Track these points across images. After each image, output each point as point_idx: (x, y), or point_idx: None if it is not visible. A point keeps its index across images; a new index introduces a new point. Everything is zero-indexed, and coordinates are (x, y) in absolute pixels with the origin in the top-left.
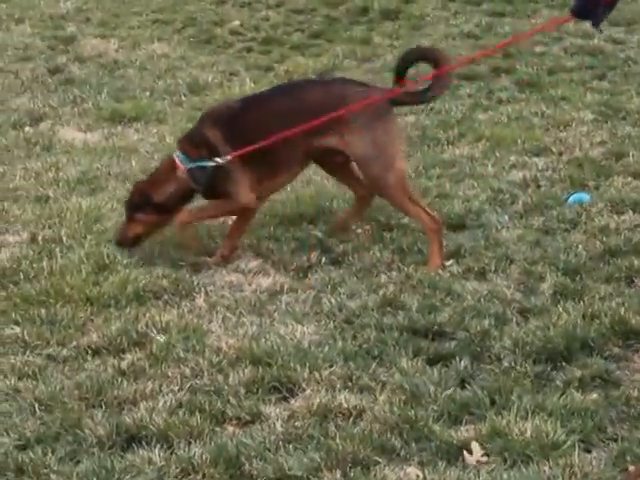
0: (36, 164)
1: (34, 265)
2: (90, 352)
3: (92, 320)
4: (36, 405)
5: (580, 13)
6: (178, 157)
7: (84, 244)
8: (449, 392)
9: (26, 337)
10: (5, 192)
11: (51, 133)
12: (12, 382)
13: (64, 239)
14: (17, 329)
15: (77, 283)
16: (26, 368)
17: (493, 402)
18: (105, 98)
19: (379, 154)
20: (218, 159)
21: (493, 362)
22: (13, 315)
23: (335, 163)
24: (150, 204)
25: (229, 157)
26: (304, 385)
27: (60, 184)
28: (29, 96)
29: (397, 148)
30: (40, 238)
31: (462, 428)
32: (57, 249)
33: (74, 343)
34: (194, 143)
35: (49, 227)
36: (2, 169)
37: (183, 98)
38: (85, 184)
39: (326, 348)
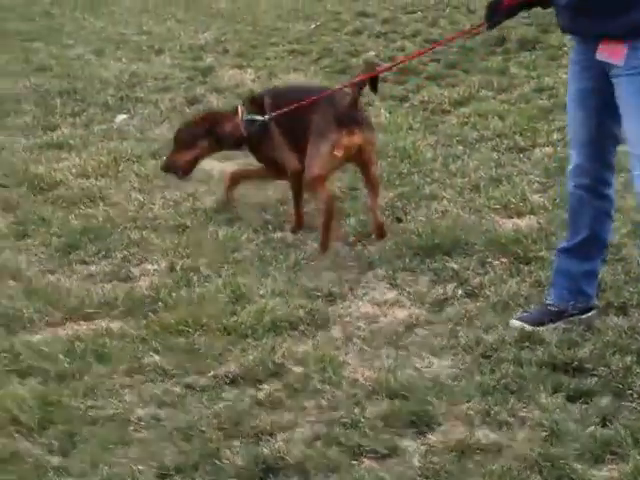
0: (174, 193)
1: (173, 294)
2: (228, 382)
3: (230, 350)
4: (175, 434)
5: (487, 16)
6: (240, 108)
7: (221, 273)
8: (590, 430)
9: (165, 365)
10: (145, 221)
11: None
12: (152, 410)
13: (202, 268)
14: (156, 357)
15: (215, 312)
16: (165, 397)
17: (636, 441)
18: None
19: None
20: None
21: (635, 400)
22: (152, 343)
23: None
24: (212, 135)
25: (273, 114)
26: (441, 420)
27: (197, 213)
28: (168, 126)
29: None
30: (178, 267)
31: (604, 467)
32: (195, 278)
33: (212, 372)
34: (254, 103)
35: (187, 256)
36: (142, 198)
37: None
38: (222, 213)
39: (463, 382)
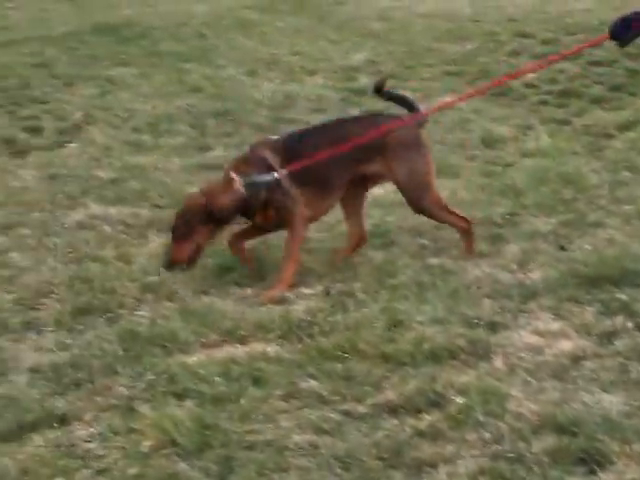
0: (327, 217)
1: (329, 318)
2: (387, 410)
3: (388, 377)
4: (334, 462)
5: (614, 33)
6: (233, 175)
7: (377, 299)
8: None
9: (322, 391)
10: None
11: None
12: (310, 437)
13: (357, 293)
14: (313, 382)
15: (372, 339)
16: (323, 423)
17: None
18: None
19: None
20: (275, 173)
21: None
22: (309, 368)
23: (358, 193)
24: (210, 216)
25: (284, 171)
26: (614, 458)
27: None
28: None
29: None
30: (334, 292)
31: None
32: (351, 303)
33: (370, 400)
34: (249, 163)
35: (342, 280)
36: None
37: (477, 152)
38: (377, 237)
39: (636, 420)
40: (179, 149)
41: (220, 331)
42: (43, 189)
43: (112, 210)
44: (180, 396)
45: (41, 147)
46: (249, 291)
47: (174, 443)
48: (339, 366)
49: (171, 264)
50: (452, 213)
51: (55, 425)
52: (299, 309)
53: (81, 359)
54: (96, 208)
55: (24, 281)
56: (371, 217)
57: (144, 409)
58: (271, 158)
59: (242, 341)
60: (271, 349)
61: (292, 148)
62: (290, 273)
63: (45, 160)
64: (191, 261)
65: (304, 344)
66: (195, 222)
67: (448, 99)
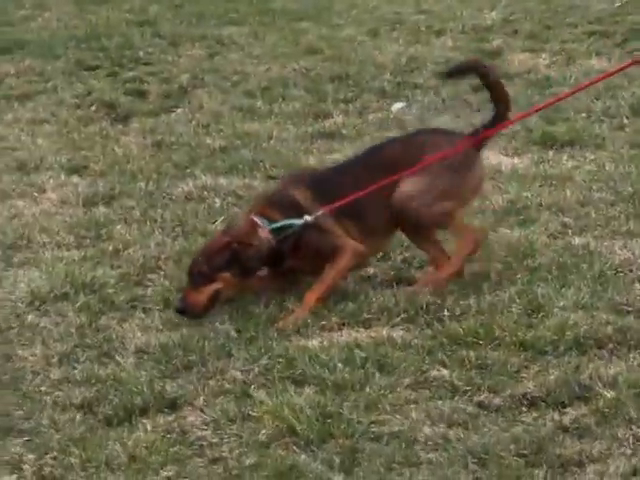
0: None
1: (460, 302)
2: (526, 403)
3: (526, 367)
4: (469, 457)
5: None
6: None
7: (514, 281)
8: None
9: (454, 381)
10: None
11: None
12: (441, 429)
13: (492, 275)
14: (444, 371)
15: (508, 325)
16: (456, 415)
17: None
18: (535, 120)
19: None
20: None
21: None
22: (439, 355)
23: None
24: (236, 263)
25: (320, 212)
26: None
27: (486, 214)
28: (450, 115)
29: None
30: (466, 272)
31: None
32: (485, 285)
33: (507, 391)
34: (274, 206)
35: (475, 261)
36: None
37: (625, 121)
38: (514, 214)
39: None
40: (294, 116)
41: (341, 314)
42: (148, 158)
43: (222, 181)
44: (299, 382)
45: (145, 112)
46: (372, 271)
47: (293, 432)
48: (472, 354)
49: (184, 311)
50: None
51: (165, 410)
52: (427, 291)
53: (192, 340)
54: (205, 179)
55: (129, 256)
56: (507, 192)
57: (260, 395)
58: (301, 197)
59: (365, 325)
60: (397, 334)
61: (327, 181)
62: (314, 298)
63: (150, 126)
64: (206, 310)
65: (433, 329)
66: (217, 267)
67: (593, 61)
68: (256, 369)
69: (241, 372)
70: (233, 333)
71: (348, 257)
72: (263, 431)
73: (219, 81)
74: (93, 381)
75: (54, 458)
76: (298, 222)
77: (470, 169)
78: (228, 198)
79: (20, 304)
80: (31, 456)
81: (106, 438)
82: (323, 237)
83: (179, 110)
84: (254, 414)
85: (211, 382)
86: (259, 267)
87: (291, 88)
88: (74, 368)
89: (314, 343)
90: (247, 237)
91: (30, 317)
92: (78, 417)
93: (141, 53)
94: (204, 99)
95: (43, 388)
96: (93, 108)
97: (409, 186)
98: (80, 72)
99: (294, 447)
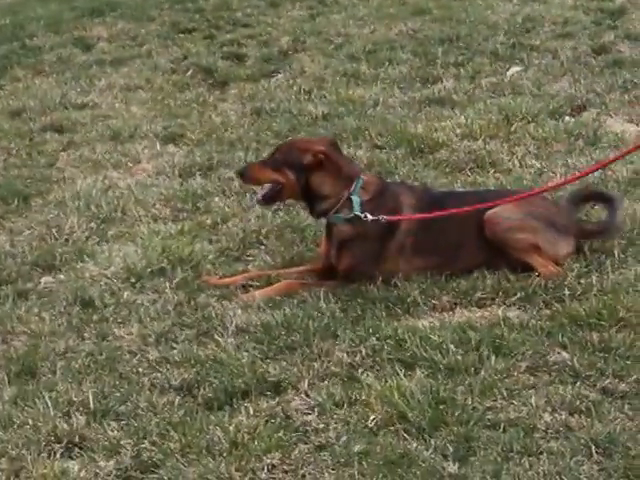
0: (578, 160)
1: (581, 280)
2: None
3: None
4: (592, 447)
5: None
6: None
7: None
8: None
9: (576, 365)
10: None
11: (596, 124)
12: (563, 417)
13: (615, 251)
14: (565, 354)
15: (634, 305)
16: (578, 402)
17: None
18: None
19: None
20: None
21: None
22: (559, 337)
23: None
24: (305, 169)
25: (384, 218)
26: None
27: (609, 185)
28: (569, 80)
29: None
30: (587, 249)
31: None
32: (608, 263)
33: (634, 376)
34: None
35: None
36: (540, 164)
37: None
38: (639, 186)
39: None
40: (401, 80)
41: (454, 292)
42: (247, 125)
43: None
44: (409, 365)
45: (244, 77)
46: None
47: (404, 418)
48: (595, 336)
49: (242, 175)
50: None
51: (268, 393)
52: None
53: (295, 320)
54: None
55: (228, 230)
56: (631, 162)
57: (368, 378)
58: (405, 201)
59: (479, 304)
60: (513, 314)
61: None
62: (278, 290)
63: (249, 92)
64: (254, 182)
65: (552, 309)
66: (288, 162)
67: None
68: (363, 351)
69: (347, 354)
70: (338, 312)
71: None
72: (372, 417)
73: (321, 44)
74: (192, 362)
75: (153, 443)
76: (361, 214)
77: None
78: None
79: (115, 280)
80: (129, 440)
81: (206, 422)
82: (356, 247)
83: (279, 75)
84: (362, 398)
85: (316, 364)
86: (320, 200)
87: (398, 51)
88: (172, 348)
89: (425, 323)
90: (341, 168)
91: (126, 294)
92: (177, 400)
93: (239, 15)
94: (305, 63)
95: (140, 369)
96: (189, 73)
97: (509, 209)
98: (175, 35)
99: (405, 434)
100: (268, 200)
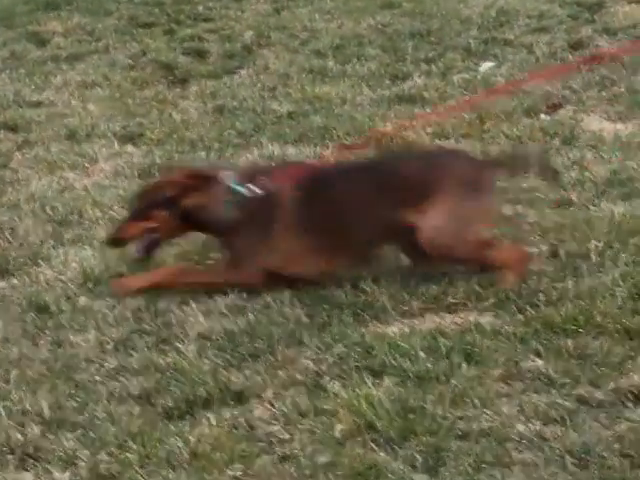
0: (557, 159)
1: (556, 285)
2: (631, 397)
3: (631, 358)
4: (567, 457)
5: None
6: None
7: (618, 262)
8: None
9: (550, 372)
10: (518, 193)
11: (573, 122)
12: (536, 426)
13: (592, 255)
14: (539, 362)
15: (611, 310)
16: (552, 411)
17: None
18: None
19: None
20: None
21: None
22: (533, 344)
23: None
24: (174, 201)
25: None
26: None
27: (586, 186)
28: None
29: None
30: (562, 252)
31: None
32: (584, 267)
33: (610, 385)
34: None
35: (573, 239)
36: None
37: None
38: (617, 187)
39: None
40: (370, 77)
41: (423, 297)
42: (209, 124)
43: (291, 149)
44: (377, 373)
45: (205, 74)
46: None
47: (372, 428)
48: (570, 342)
49: (113, 241)
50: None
51: (231, 402)
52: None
53: (259, 326)
54: (272, 147)
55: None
56: (609, 162)
57: (335, 387)
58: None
59: (450, 310)
60: (485, 320)
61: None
62: (161, 278)
63: (210, 89)
64: (123, 244)
65: (526, 315)
66: (155, 204)
67: None
68: (330, 358)
69: (313, 361)
70: (304, 318)
71: (240, 278)
72: (338, 427)
73: (286, 39)
74: (152, 370)
75: (110, 454)
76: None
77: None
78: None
79: (71, 285)
80: (86, 451)
81: (166, 433)
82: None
83: (242, 72)
84: (328, 408)
85: (280, 372)
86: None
87: (366, 46)
88: (131, 356)
89: (394, 330)
90: (199, 182)
91: (82, 299)
92: (136, 409)
93: (201, 8)
94: (270, 59)
95: (98, 377)
96: (148, 70)
97: (435, 217)
98: (134, 30)
99: (372, 444)
100: (148, 249)
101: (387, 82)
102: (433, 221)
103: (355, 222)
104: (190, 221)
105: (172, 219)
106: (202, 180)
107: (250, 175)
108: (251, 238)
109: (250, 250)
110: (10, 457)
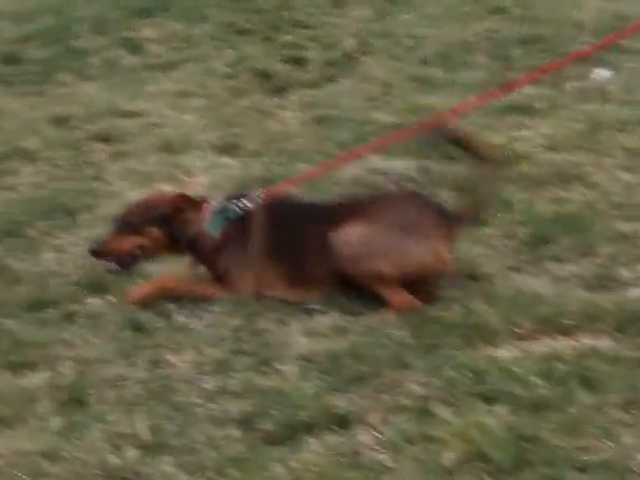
0: None
1: None
2: None
3: None
4: None
5: None
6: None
7: None
8: None
9: None
10: (634, 209)
11: None
12: None
13: None
14: None
15: None
16: None
17: None
18: None
19: None
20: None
21: None
22: None
23: None
24: (169, 219)
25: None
26: None
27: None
28: None
29: None
30: None
31: None
32: None
33: None
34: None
35: None
36: (630, 178)
37: None
38: None
39: None
40: (477, 86)
41: (536, 319)
42: (308, 135)
43: (396, 162)
44: (489, 399)
45: (305, 83)
46: (571, 268)
47: (483, 457)
48: None
49: (96, 253)
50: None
51: (334, 428)
52: (638, 293)
53: (363, 348)
54: (375, 159)
55: None
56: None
57: (444, 413)
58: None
59: (565, 332)
60: (604, 344)
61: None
62: (161, 286)
63: (310, 99)
64: (122, 261)
65: None
66: (149, 222)
67: None
68: (438, 382)
69: (421, 386)
70: (410, 340)
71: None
72: (448, 455)
73: (389, 46)
74: (252, 393)
75: (210, 479)
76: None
77: (426, 243)
78: (402, 182)
79: (168, 303)
80: (184, 476)
81: (268, 458)
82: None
83: (343, 80)
84: (437, 435)
85: (386, 397)
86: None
87: (473, 54)
88: (230, 377)
89: (505, 353)
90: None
91: (179, 318)
92: (236, 433)
93: (300, 15)
94: (372, 67)
95: (196, 399)
96: (245, 78)
97: (350, 232)
98: (231, 37)
99: (484, 475)
100: (129, 264)
101: (496, 91)
102: (343, 236)
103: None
104: (176, 241)
105: (163, 237)
106: (192, 202)
107: (235, 197)
108: (232, 258)
109: (234, 269)
110: None
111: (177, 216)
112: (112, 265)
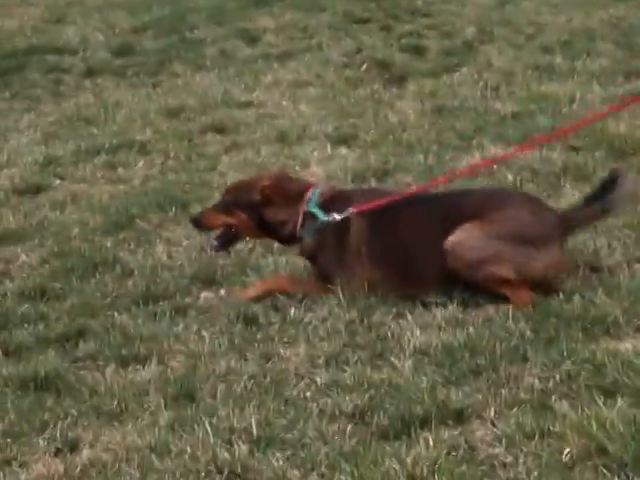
0: None
1: None
2: None
3: None
4: None
5: None
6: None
7: None
8: None
9: None
10: None
11: None
12: None
13: None
14: None
15: None
16: None
17: None
18: None
19: None
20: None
21: None
22: None
23: None
24: (256, 206)
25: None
26: None
27: None
28: None
29: None
30: None
31: None
32: None
33: None
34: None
35: None
36: None
37: None
38: None
39: None
40: (601, 74)
41: None
42: (427, 125)
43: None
44: (609, 393)
45: (424, 72)
46: None
47: (603, 452)
48: None
49: (195, 222)
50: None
51: (450, 422)
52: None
53: (480, 341)
54: (494, 149)
55: None
56: None
57: (563, 407)
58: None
59: None
60: None
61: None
62: (272, 286)
63: (429, 89)
64: (203, 228)
65: None
66: (239, 205)
67: None
68: (557, 376)
69: (539, 379)
70: (529, 333)
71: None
72: (566, 450)
73: (510, 34)
74: (365, 387)
75: (322, 475)
76: (327, 218)
77: (545, 247)
78: (522, 173)
79: (281, 296)
80: (296, 472)
81: (381, 453)
82: (322, 255)
83: (463, 69)
84: (555, 429)
85: (503, 391)
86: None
87: (597, 41)
88: (343, 371)
89: (627, 346)
90: (285, 196)
91: (293, 311)
92: (349, 428)
93: (419, 3)
94: (493, 56)
95: (308, 394)
96: (364, 68)
97: (466, 237)
98: (349, 26)
99: (604, 470)
100: (224, 244)
101: (620, 79)
102: (458, 241)
103: (415, 251)
104: (266, 230)
105: (250, 222)
106: (286, 196)
107: (332, 198)
108: (329, 262)
109: (332, 270)
110: (217, 476)
111: (265, 204)
112: (212, 242)
